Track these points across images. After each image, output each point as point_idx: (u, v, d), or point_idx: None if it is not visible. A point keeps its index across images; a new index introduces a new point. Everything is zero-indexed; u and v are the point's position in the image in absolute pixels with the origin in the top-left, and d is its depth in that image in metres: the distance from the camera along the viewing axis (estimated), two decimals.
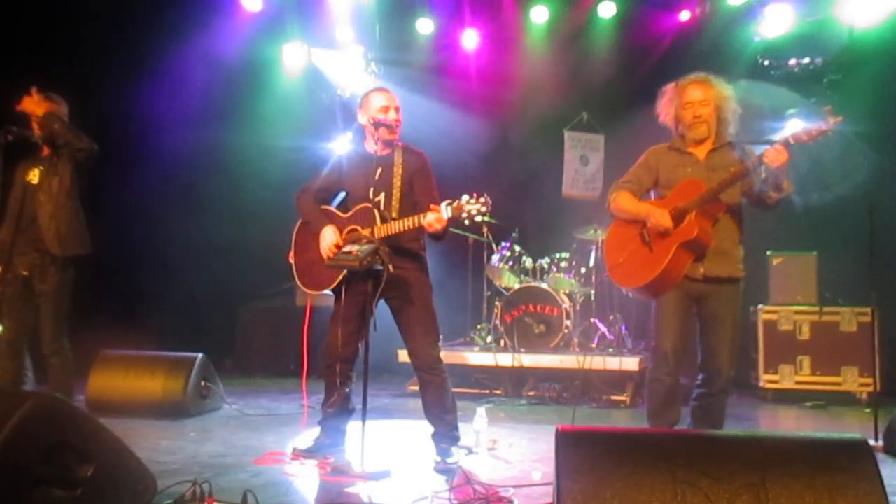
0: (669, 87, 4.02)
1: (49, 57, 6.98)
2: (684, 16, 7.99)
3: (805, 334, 6.87)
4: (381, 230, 4.03)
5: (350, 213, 4.23)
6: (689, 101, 3.90)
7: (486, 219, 7.47)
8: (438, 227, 3.83)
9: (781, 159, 3.59)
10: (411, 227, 3.96)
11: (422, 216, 3.88)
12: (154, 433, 4.86)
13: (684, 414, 4.02)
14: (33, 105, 4.67)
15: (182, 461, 4.14)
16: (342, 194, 4.36)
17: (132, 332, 6.66)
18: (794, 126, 7.52)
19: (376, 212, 4.09)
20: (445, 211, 3.77)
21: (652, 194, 4.07)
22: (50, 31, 7.19)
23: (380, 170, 4.18)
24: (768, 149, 3.61)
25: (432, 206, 3.85)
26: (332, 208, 4.34)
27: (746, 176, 3.76)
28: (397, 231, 4.00)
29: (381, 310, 4.18)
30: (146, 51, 7.37)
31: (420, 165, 4.20)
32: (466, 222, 3.80)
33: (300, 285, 4.40)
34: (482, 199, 3.73)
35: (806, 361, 6.82)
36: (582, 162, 8.77)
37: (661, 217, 3.80)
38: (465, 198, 3.76)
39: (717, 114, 3.91)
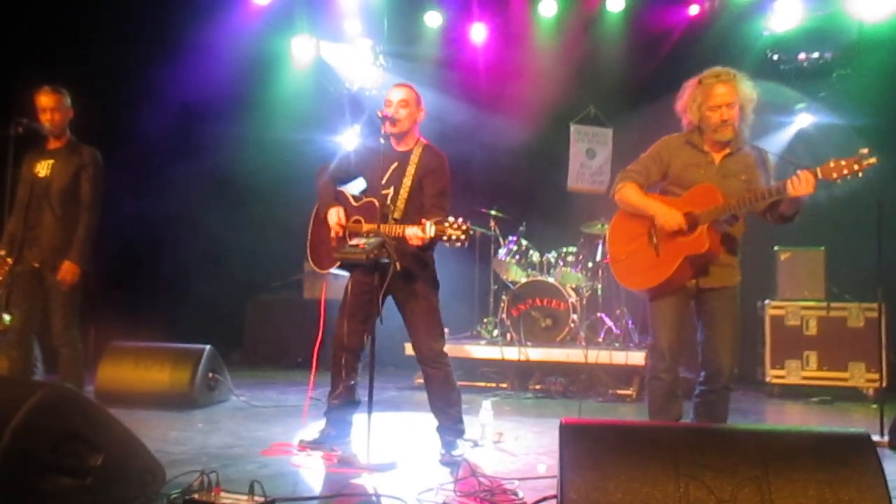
0: (692, 83, 3.84)
1: (57, 52, 7.02)
2: (693, 10, 7.97)
3: (812, 329, 6.87)
4: (371, 227, 4.07)
5: (359, 204, 4.30)
6: (716, 102, 3.70)
7: (492, 212, 7.50)
8: (418, 242, 3.87)
9: (807, 190, 3.44)
10: (398, 234, 3.97)
11: (406, 227, 3.93)
12: (162, 424, 4.90)
13: (686, 408, 4.01)
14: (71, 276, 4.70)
15: (190, 452, 4.17)
16: (362, 183, 4.40)
17: (141, 323, 6.71)
18: (804, 119, 7.55)
19: (380, 208, 4.12)
20: (429, 230, 3.79)
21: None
22: (58, 26, 7.22)
23: (395, 164, 4.21)
24: (794, 178, 3.46)
25: (422, 220, 3.86)
26: (348, 193, 4.41)
27: (765, 199, 3.63)
28: (389, 234, 4.01)
29: (389, 303, 4.22)
30: (155, 44, 7.40)
31: (435, 167, 4.19)
32: (447, 245, 3.81)
33: (309, 260, 4.50)
34: (463, 227, 3.74)
35: (813, 357, 6.82)
36: (588, 155, 8.76)
37: (672, 218, 3.67)
38: (451, 220, 3.77)
39: (741, 115, 3.73)
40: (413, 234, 3.86)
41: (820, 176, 3.45)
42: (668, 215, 3.70)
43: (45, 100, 4.77)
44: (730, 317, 3.80)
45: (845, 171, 3.40)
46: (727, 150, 3.80)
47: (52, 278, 4.71)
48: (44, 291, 4.75)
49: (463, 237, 3.74)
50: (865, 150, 3.40)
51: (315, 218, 4.51)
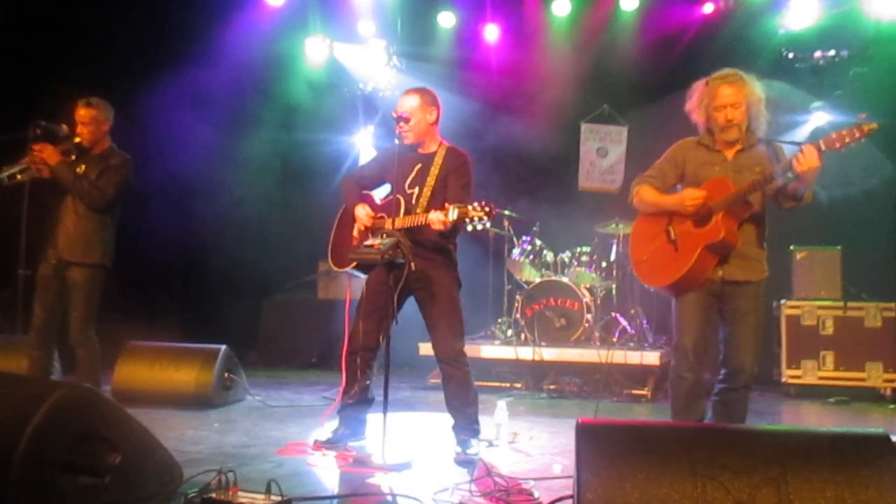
0: (700, 85, 3.89)
1: (74, 52, 7.08)
2: (708, 8, 7.93)
3: (828, 329, 6.81)
4: (397, 222, 4.12)
5: (382, 202, 4.38)
6: (721, 103, 3.75)
7: (505, 212, 7.50)
8: (440, 227, 3.88)
9: (813, 164, 3.46)
10: (419, 223, 4.02)
11: (429, 213, 3.94)
12: (179, 423, 4.93)
13: (705, 408, 4.00)
14: (46, 156, 4.73)
15: (207, 451, 4.19)
16: (388, 188, 4.46)
17: (157, 323, 6.74)
18: (820, 118, 7.50)
19: (403, 204, 4.16)
20: (452, 213, 3.80)
21: (679, 188, 4.02)
22: (75, 26, 7.28)
23: (419, 166, 4.26)
24: (799, 153, 3.49)
25: (445, 205, 3.88)
26: (372, 194, 4.49)
27: (774, 180, 3.67)
28: (408, 226, 4.08)
29: (410, 302, 4.24)
30: (170, 44, 7.44)
31: (457, 165, 4.23)
32: (469, 228, 3.81)
33: (329, 260, 4.58)
34: (486, 209, 3.74)
35: (829, 357, 6.77)
36: (599, 154, 8.74)
37: (689, 196, 3.74)
38: (474, 204, 3.78)
39: (748, 114, 3.78)
40: (436, 218, 3.88)
41: (823, 147, 3.47)
42: (685, 196, 3.77)
43: (79, 113, 4.88)
44: (753, 314, 3.79)
45: (847, 140, 3.43)
46: (738, 147, 3.85)
47: (71, 276, 4.77)
48: (65, 291, 4.80)
49: (486, 218, 3.74)
50: (864, 115, 3.42)
51: (339, 220, 4.58)
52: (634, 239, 4.10)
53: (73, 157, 4.84)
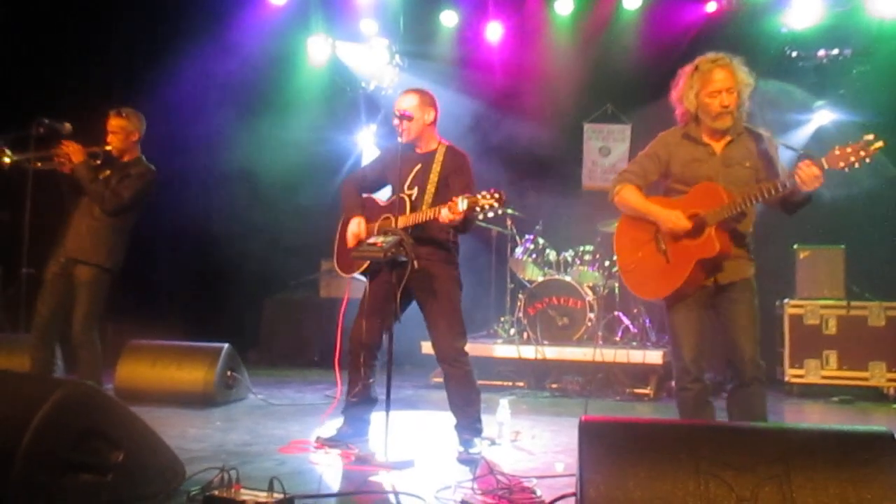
0: (686, 70, 3.69)
1: (76, 48, 7.08)
2: (711, 7, 7.93)
3: (832, 329, 6.80)
4: (402, 220, 4.11)
5: (385, 203, 4.38)
6: (715, 88, 3.55)
7: (508, 211, 7.50)
8: (452, 217, 3.84)
9: (816, 184, 3.32)
10: (429, 218, 4.02)
11: (439, 208, 3.93)
12: (181, 421, 4.93)
13: (717, 408, 3.91)
14: (72, 153, 4.78)
15: (209, 449, 4.20)
16: (389, 190, 4.46)
17: (159, 321, 6.74)
18: (823, 117, 7.49)
19: (407, 202, 4.17)
20: (461, 204, 3.78)
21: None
22: (76, 23, 7.28)
23: (419, 166, 4.26)
24: (800, 171, 3.33)
25: (453, 198, 3.87)
26: (374, 196, 4.49)
27: (773, 195, 3.49)
28: (416, 222, 4.07)
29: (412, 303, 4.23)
30: (172, 43, 7.44)
31: (458, 166, 4.23)
32: (481, 217, 3.80)
33: (335, 266, 4.56)
34: (496, 196, 3.73)
35: (832, 356, 6.76)
36: (602, 153, 8.74)
37: (676, 221, 3.57)
38: (483, 193, 3.76)
39: (738, 101, 3.58)
40: (446, 214, 3.84)
41: (825, 165, 3.31)
42: (672, 219, 3.58)
43: (110, 122, 4.92)
44: (746, 306, 3.64)
45: (852, 159, 3.27)
46: (728, 139, 3.66)
47: (76, 275, 4.77)
48: (70, 290, 4.80)
49: (497, 205, 3.71)
50: (871, 136, 3.30)
51: (342, 226, 4.56)
52: (620, 243, 3.89)
53: (99, 163, 4.86)
